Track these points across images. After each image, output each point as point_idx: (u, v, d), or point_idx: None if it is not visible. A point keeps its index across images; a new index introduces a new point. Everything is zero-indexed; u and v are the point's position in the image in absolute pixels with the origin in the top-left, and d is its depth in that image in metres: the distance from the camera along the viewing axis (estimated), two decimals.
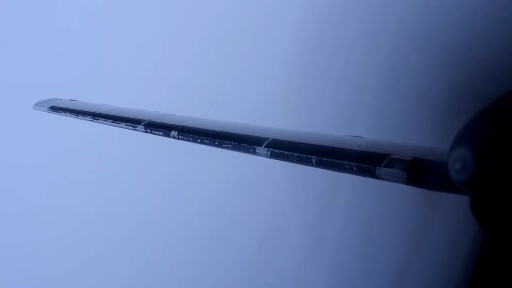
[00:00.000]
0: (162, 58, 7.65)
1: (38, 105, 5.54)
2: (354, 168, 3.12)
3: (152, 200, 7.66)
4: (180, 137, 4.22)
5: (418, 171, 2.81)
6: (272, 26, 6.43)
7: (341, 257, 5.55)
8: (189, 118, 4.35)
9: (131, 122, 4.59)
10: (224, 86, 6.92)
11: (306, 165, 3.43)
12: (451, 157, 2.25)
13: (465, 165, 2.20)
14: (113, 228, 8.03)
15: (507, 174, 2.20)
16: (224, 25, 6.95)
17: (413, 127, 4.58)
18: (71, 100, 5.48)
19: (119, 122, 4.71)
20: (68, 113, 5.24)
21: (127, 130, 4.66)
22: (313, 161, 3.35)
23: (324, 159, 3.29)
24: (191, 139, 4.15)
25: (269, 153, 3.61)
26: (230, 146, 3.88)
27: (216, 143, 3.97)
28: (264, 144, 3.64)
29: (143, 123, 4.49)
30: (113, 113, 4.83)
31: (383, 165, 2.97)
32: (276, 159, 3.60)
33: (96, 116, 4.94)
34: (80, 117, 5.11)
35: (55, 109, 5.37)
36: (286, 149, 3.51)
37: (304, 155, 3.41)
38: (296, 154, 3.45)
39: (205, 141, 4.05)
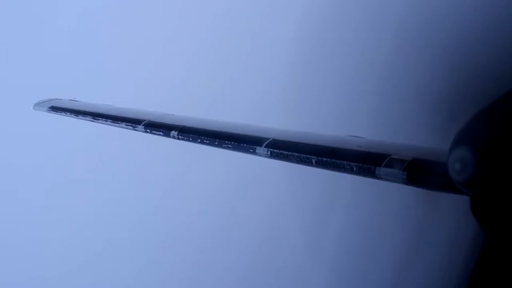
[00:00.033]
0: (162, 58, 7.65)
1: (38, 105, 5.54)
2: (354, 168, 3.12)
3: (152, 200, 7.66)
4: (180, 137, 4.22)
5: (418, 171, 2.81)
6: (272, 26, 6.42)
7: (341, 257, 5.54)
8: (189, 118, 4.35)
9: (131, 122, 4.59)
10: (224, 86, 6.92)
11: (306, 165, 3.43)
12: (451, 157, 2.25)
13: (465, 165, 2.20)
14: (113, 228, 8.03)
15: (507, 174, 2.20)
16: (224, 25, 6.96)
17: (413, 127, 4.58)
18: (71, 100, 5.48)
19: (119, 122, 4.71)
20: (68, 113, 5.24)
21: (127, 130, 4.66)
22: (313, 161, 3.35)
23: (324, 159, 3.29)
24: (191, 139, 4.15)
25: (269, 153, 3.60)
26: (230, 146, 3.88)
27: (216, 143, 3.97)
28: (264, 144, 3.64)
29: (143, 123, 4.49)
30: (113, 113, 4.83)
31: (383, 165, 2.97)
32: (276, 159, 3.60)
33: (96, 116, 4.94)
34: (80, 117, 5.11)
35: (55, 109, 5.37)
36: (286, 149, 3.51)
37: (304, 155, 3.41)
38: (296, 154, 3.45)
39: (205, 141, 4.05)
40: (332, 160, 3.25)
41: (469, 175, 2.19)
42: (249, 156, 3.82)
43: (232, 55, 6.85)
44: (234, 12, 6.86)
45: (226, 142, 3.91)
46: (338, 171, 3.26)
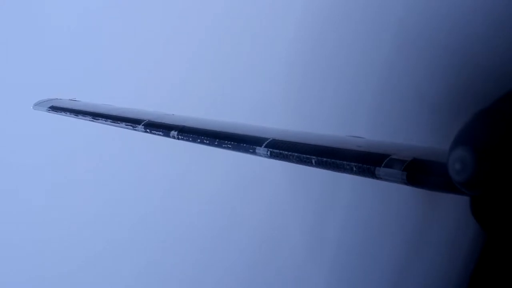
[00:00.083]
0: (162, 58, 7.65)
1: (38, 105, 5.54)
2: (354, 168, 3.11)
3: (152, 200, 7.66)
4: (180, 137, 4.22)
5: (418, 171, 2.81)
6: (272, 26, 6.42)
7: (341, 257, 5.54)
8: (189, 118, 4.35)
9: (131, 122, 4.59)
10: (224, 86, 6.92)
11: (306, 165, 3.43)
12: (451, 157, 2.25)
13: (465, 165, 2.20)
14: (113, 228, 8.03)
15: (507, 174, 2.20)
16: (224, 25, 6.95)
17: (413, 127, 4.58)
18: (71, 100, 5.48)
19: (119, 122, 4.71)
20: (68, 113, 5.24)
21: (127, 130, 4.66)
22: (313, 161, 3.35)
23: (324, 159, 3.29)
24: (191, 139, 4.15)
25: (269, 153, 3.60)
26: (230, 146, 3.88)
27: (216, 143, 3.97)
28: (264, 144, 3.64)
29: (143, 123, 4.49)
30: (113, 113, 4.83)
31: (383, 165, 2.96)
32: (276, 159, 3.60)
33: (96, 116, 4.94)
34: (80, 117, 5.11)
35: (55, 109, 5.37)
36: (286, 149, 3.51)
37: (304, 155, 3.40)
38: (296, 154, 3.45)
39: (205, 141, 4.05)
40: (332, 160, 3.25)
41: (469, 175, 2.19)
42: (249, 156, 3.82)
43: (232, 55, 6.85)
44: (234, 12, 6.85)
45: (226, 142, 3.91)
46: (338, 171, 3.25)
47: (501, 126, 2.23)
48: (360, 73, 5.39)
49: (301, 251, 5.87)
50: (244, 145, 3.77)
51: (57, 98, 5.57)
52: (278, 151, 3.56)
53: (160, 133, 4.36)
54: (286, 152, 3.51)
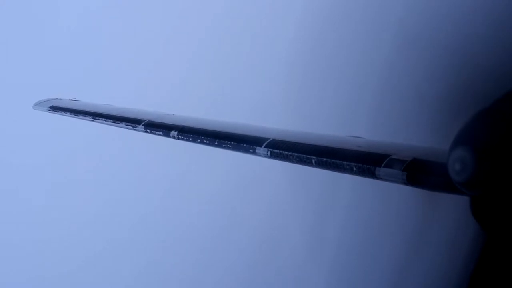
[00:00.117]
0: (162, 58, 7.65)
1: (38, 105, 5.54)
2: (354, 169, 3.11)
3: (152, 200, 7.66)
4: (180, 137, 4.22)
5: (418, 171, 2.81)
6: (272, 26, 6.42)
7: (341, 257, 5.54)
8: (189, 118, 4.35)
9: (131, 122, 4.59)
10: (224, 86, 6.92)
11: (306, 165, 3.43)
12: (451, 158, 2.25)
13: (464, 165, 2.20)
14: (113, 228, 8.03)
15: (507, 174, 2.20)
16: (224, 25, 6.95)
17: (413, 127, 4.58)
18: (71, 100, 5.48)
19: (119, 122, 4.70)
20: (68, 113, 5.24)
21: (127, 130, 4.66)
22: (313, 161, 3.35)
23: (324, 159, 3.29)
24: (191, 139, 4.15)
25: (269, 153, 3.60)
26: (230, 146, 3.88)
27: (216, 143, 3.97)
28: (264, 144, 3.64)
29: (143, 123, 4.49)
30: (113, 113, 4.83)
31: (383, 165, 2.96)
32: (276, 159, 3.60)
33: (96, 116, 4.94)
34: (80, 117, 5.11)
35: (55, 109, 5.37)
36: (286, 149, 3.51)
37: (304, 155, 3.40)
38: (296, 154, 3.45)
39: (205, 141, 4.05)
40: (332, 160, 3.25)
41: (469, 175, 2.19)
42: (249, 156, 3.82)
43: (232, 55, 6.85)
44: (234, 12, 6.85)
45: (226, 142, 3.91)
46: (338, 171, 3.25)
47: (501, 126, 2.23)
48: (360, 73, 5.39)
49: (301, 251, 5.87)
50: (244, 145, 3.77)
51: (57, 98, 5.57)
52: (278, 151, 3.56)
53: (160, 133, 4.36)
54: (286, 152, 3.51)
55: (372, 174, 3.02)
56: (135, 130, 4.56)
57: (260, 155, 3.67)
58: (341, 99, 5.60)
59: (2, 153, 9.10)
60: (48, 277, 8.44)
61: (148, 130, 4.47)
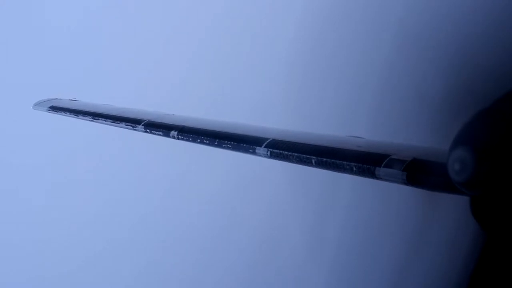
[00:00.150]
0: (162, 58, 7.65)
1: (38, 105, 5.54)
2: (354, 169, 3.11)
3: (152, 200, 7.66)
4: (180, 137, 4.22)
5: (418, 171, 2.81)
6: (272, 26, 6.42)
7: (341, 257, 5.54)
8: (189, 118, 4.35)
9: (131, 122, 4.59)
10: (224, 86, 6.92)
11: (306, 165, 3.43)
12: (451, 158, 2.25)
13: (464, 165, 2.20)
14: (113, 228, 8.03)
15: (507, 174, 2.20)
16: (224, 25, 6.95)
17: (413, 127, 4.58)
18: (71, 100, 5.48)
19: (119, 122, 4.70)
20: (68, 113, 5.24)
21: (127, 130, 4.66)
22: (313, 161, 3.35)
23: (324, 159, 3.29)
24: (190, 139, 4.15)
25: (268, 153, 3.60)
26: (230, 146, 3.88)
27: (216, 143, 3.97)
28: (264, 144, 3.64)
29: (142, 123, 4.49)
30: (113, 113, 4.83)
31: (382, 165, 2.96)
32: (276, 159, 3.60)
33: (96, 116, 4.94)
34: (80, 117, 5.11)
35: (55, 109, 5.37)
36: (285, 149, 3.51)
37: (304, 155, 3.40)
38: (296, 154, 3.45)
39: (204, 141, 4.05)
40: (332, 160, 3.25)
41: (468, 175, 2.19)
42: (249, 156, 3.82)
43: (232, 55, 6.85)
44: (234, 12, 6.85)
45: (226, 142, 3.91)
46: (338, 171, 3.25)
47: (501, 126, 2.23)
48: (360, 73, 5.39)
49: (301, 251, 5.87)
50: (244, 145, 3.77)
51: (57, 98, 5.57)
52: (278, 151, 3.56)
53: (160, 133, 4.36)
54: (286, 152, 3.51)
55: (372, 174, 3.02)
56: (135, 130, 4.56)
57: (260, 155, 3.67)
58: (341, 99, 5.60)
59: (2, 153, 9.10)
60: (48, 277, 8.44)
61: (148, 130, 4.47)
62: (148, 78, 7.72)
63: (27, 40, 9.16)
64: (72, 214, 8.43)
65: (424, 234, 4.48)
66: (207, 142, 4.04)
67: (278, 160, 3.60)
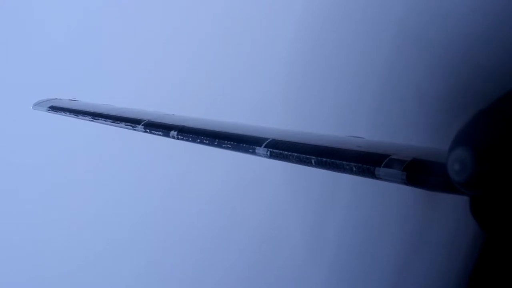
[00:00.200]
0: (162, 58, 7.65)
1: (38, 105, 5.53)
2: (354, 169, 3.11)
3: (152, 200, 7.66)
4: (179, 137, 4.22)
5: (418, 171, 2.81)
6: (272, 26, 6.42)
7: (341, 257, 5.54)
8: (189, 118, 4.35)
9: (131, 122, 4.59)
10: (224, 86, 6.92)
11: (305, 165, 3.43)
12: (450, 158, 2.24)
13: (464, 165, 2.19)
14: (113, 228, 8.03)
15: (506, 174, 2.20)
16: (224, 25, 6.95)
17: (413, 127, 4.58)
18: (71, 100, 5.48)
19: (118, 122, 4.70)
20: (67, 113, 5.24)
21: (127, 130, 4.66)
22: (313, 161, 3.35)
23: (324, 159, 3.29)
24: (190, 139, 4.15)
25: (268, 153, 3.60)
26: (230, 146, 3.87)
27: (216, 143, 3.97)
28: (264, 144, 3.64)
29: (142, 123, 4.49)
30: (113, 113, 4.83)
31: (382, 165, 2.96)
32: (275, 159, 3.60)
33: (95, 116, 4.94)
34: (80, 117, 5.11)
35: (54, 109, 5.37)
36: (285, 149, 3.51)
37: (304, 155, 3.40)
38: (296, 154, 3.45)
39: (204, 141, 4.05)
40: (332, 160, 3.24)
41: (468, 175, 2.19)
42: (249, 156, 3.82)
43: (232, 55, 6.85)
44: (234, 12, 6.85)
45: (226, 142, 3.90)
46: (337, 171, 3.25)
47: (501, 126, 2.23)
48: (360, 73, 5.39)
49: (301, 251, 5.87)
50: (244, 145, 3.77)
51: (57, 98, 5.56)
52: (278, 151, 3.56)
53: (160, 133, 4.36)
54: (286, 152, 3.51)
55: (372, 174, 3.02)
56: (135, 130, 4.56)
57: (259, 155, 3.67)
58: (341, 99, 5.60)
59: (2, 153, 9.10)
60: (48, 277, 8.44)
61: (147, 130, 4.47)
62: (148, 78, 7.72)
63: (27, 40, 9.16)
64: (72, 214, 8.44)
65: (424, 234, 4.48)
66: (207, 142, 4.04)
67: (278, 160, 3.60)
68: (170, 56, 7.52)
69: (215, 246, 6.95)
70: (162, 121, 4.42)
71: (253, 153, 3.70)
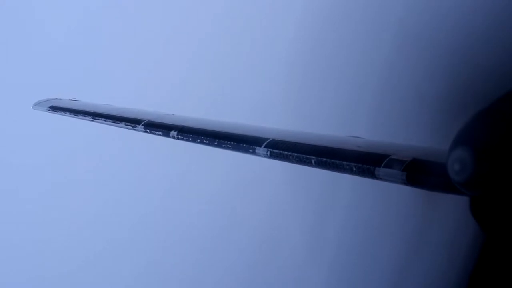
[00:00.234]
0: (162, 58, 7.65)
1: (38, 104, 5.54)
2: (354, 169, 3.11)
3: (152, 200, 7.66)
4: (179, 137, 4.22)
5: (418, 171, 2.81)
6: (272, 26, 6.42)
7: (341, 257, 5.54)
8: (189, 118, 4.35)
9: (131, 122, 4.59)
10: (224, 86, 6.92)
11: (305, 165, 3.43)
12: (450, 158, 2.24)
13: (464, 165, 2.19)
14: (113, 228, 8.03)
15: (506, 174, 2.20)
16: (224, 25, 6.95)
17: (413, 127, 4.58)
18: (71, 100, 5.48)
19: (118, 122, 4.70)
20: (67, 113, 5.24)
21: (127, 130, 4.66)
22: (313, 161, 3.35)
23: (324, 159, 3.29)
24: (190, 139, 4.15)
25: (268, 153, 3.60)
26: (230, 146, 3.87)
27: (216, 143, 3.97)
28: (264, 144, 3.64)
29: (142, 123, 4.49)
30: (113, 113, 4.83)
31: (382, 165, 2.96)
32: (275, 159, 3.60)
33: (95, 116, 4.94)
34: (80, 117, 5.11)
35: (54, 109, 5.37)
36: (285, 149, 3.51)
37: (304, 156, 3.40)
38: (296, 154, 3.45)
39: (204, 141, 4.05)
40: (332, 160, 3.24)
41: (468, 175, 2.19)
42: (249, 156, 3.82)
43: (232, 55, 6.85)
44: (234, 12, 6.85)
45: (226, 142, 3.90)
46: (337, 172, 3.25)
47: (501, 126, 2.23)
48: (360, 73, 5.39)
49: (301, 251, 5.87)
50: (244, 145, 3.77)
51: (57, 98, 5.57)
52: (278, 151, 3.56)
53: (160, 133, 4.36)
54: (286, 152, 3.51)
55: (371, 174, 3.02)
56: (135, 130, 4.56)
57: (259, 155, 3.67)
58: (341, 99, 5.60)
59: (2, 153, 9.10)
60: (48, 277, 8.44)
61: (147, 130, 4.47)
62: (148, 78, 7.72)
63: (27, 40, 9.16)
64: (72, 214, 8.44)
65: (423, 234, 4.48)
66: (207, 142, 4.04)
67: (278, 160, 3.60)
68: (170, 56, 7.52)
69: (215, 246, 6.95)
70: (162, 121, 4.42)
71: (253, 153, 3.70)
